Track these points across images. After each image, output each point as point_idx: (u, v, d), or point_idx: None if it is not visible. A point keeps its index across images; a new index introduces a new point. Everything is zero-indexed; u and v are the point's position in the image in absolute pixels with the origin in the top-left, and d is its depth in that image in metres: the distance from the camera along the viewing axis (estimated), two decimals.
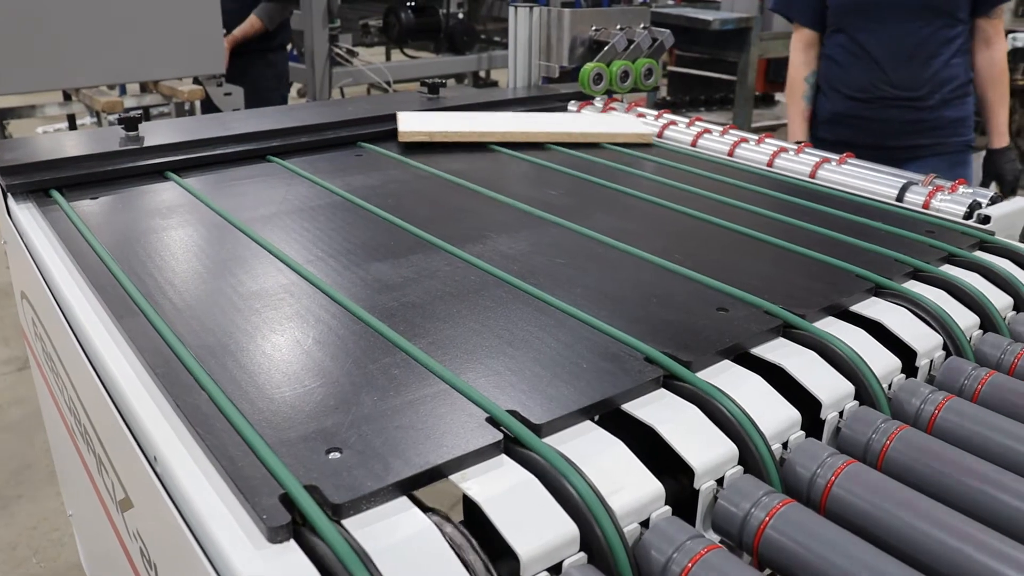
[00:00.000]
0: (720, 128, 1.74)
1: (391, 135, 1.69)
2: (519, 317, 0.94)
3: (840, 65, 2.35)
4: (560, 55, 2.04)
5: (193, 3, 2.96)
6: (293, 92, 4.97)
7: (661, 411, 0.77)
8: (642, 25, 2.10)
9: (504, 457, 0.70)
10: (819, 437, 0.83)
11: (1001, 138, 2.37)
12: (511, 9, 2.09)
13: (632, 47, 2.03)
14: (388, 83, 4.11)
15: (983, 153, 2.41)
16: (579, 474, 0.67)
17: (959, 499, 0.75)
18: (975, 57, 2.31)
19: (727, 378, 0.83)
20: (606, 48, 2.00)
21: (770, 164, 1.56)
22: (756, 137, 1.67)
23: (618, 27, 2.05)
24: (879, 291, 1.03)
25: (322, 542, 0.59)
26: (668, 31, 2.10)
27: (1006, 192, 2.37)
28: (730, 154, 1.62)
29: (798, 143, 1.64)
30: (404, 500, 0.65)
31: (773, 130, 6.96)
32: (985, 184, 2.42)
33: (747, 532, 0.70)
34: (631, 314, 0.95)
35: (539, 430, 0.73)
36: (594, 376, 0.81)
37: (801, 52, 2.44)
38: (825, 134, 2.44)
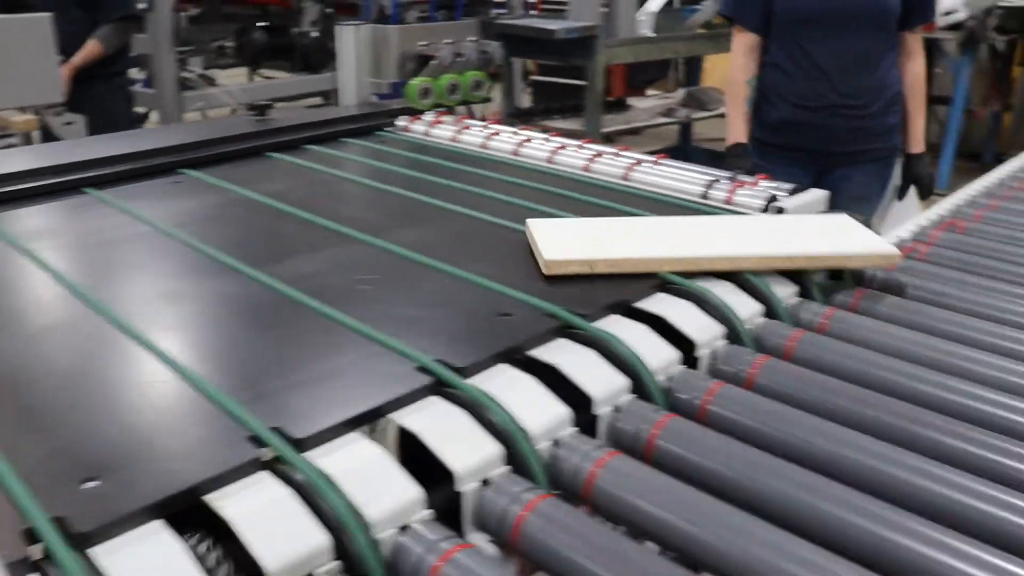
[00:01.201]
0: (545, 136, 1.78)
1: (213, 160, 1.67)
2: (302, 332, 0.95)
3: (787, 73, 2.43)
4: (389, 71, 2.05)
5: (23, 32, 2.85)
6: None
7: (428, 418, 0.79)
8: (471, 38, 2.12)
9: (264, 473, 0.70)
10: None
11: (919, 144, 2.53)
12: (336, 29, 2.09)
13: (460, 60, 2.05)
14: (247, 106, 4.03)
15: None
16: (335, 488, 0.68)
17: (729, 487, 0.79)
18: (901, 68, 2.46)
19: (500, 381, 0.84)
20: (433, 62, 2.01)
21: (587, 169, 1.59)
22: (577, 143, 1.71)
23: (446, 41, 2.07)
24: (666, 287, 1.07)
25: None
26: (497, 43, 2.13)
27: (923, 193, 2.51)
28: (549, 161, 1.65)
29: (644, 154, 1.69)
30: (157, 524, 0.65)
31: (636, 132, 7.14)
32: (904, 186, 2.57)
33: (505, 527, 0.72)
34: (413, 325, 0.96)
35: (301, 444, 0.73)
36: (364, 387, 0.82)
37: (743, 56, 2.50)
38: (770, 139, 2.53)
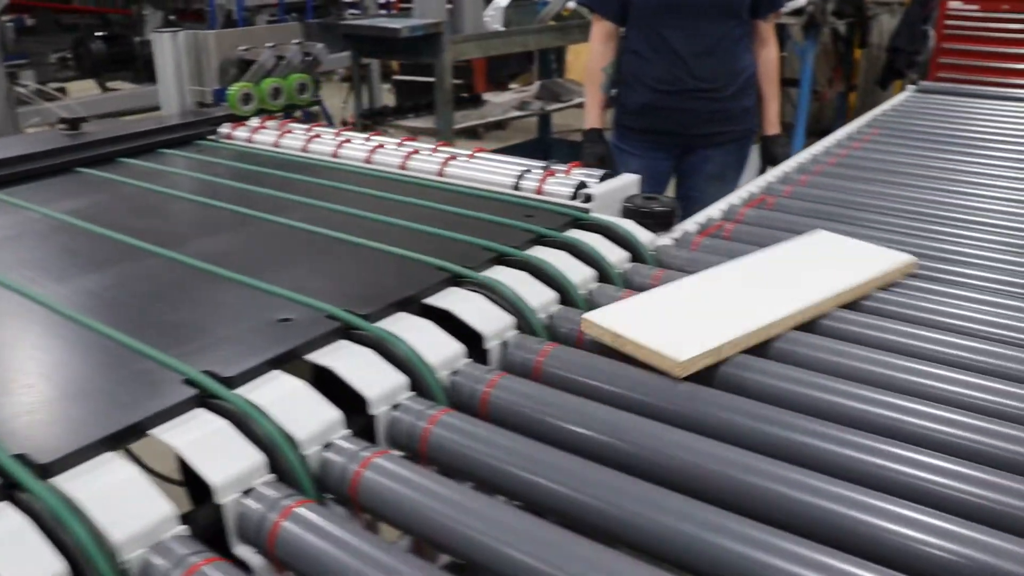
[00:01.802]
0: (364, 137, 1.76)
1: (16, 178, 1.60)
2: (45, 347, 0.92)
3: (646, 59, 2.53)
4: (210, 78, 1.99)
5: None
6: None
7: (190, 432, 0.76)
8: (294, 41, 2.08)
9: None
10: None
11: (774, 126, 2.68)
12: (152, 37, 2.02)
13: (283, 64, 2.01)
14: (59, 120, 3.88)
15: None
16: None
17: (505, 481, 0.79)
18: (763, 61, 2.60)
19: (267, 390, 0.82)
20: (253, 67, 1.97)
21: (403, 167, 1.58)
22: (396, 142, 1.70)
23: (268, 45, 2.03)
24: (458, 280, 1.07)
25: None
26: (322, 45, 2.10)
27: None
28: (367, 161, 1.63)
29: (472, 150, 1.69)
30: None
31: (502, 127, 7.16)
32: (763, 167, 2.66)
33: (261, 535, 0.71)
34: (187, 336, 0.93)
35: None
36: (121, 402, 0.79)
37: (601, 43, 2.60)
38: (632, 123, 2.63)
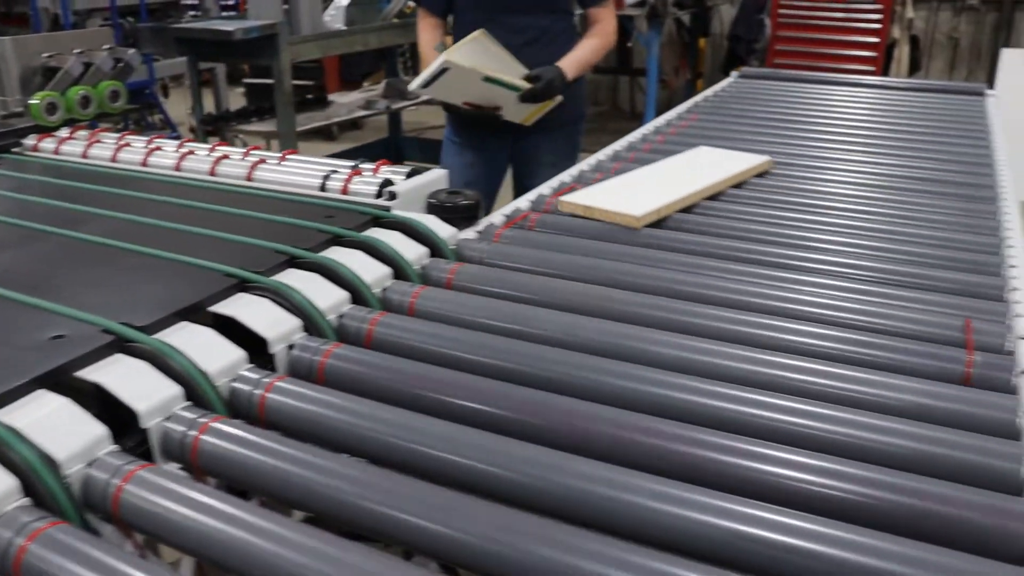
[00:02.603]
0: (174, 144, 1.72)
1: None
2: None
3: None
4: (11, 88, 1.91)
5: None
6: None
7: None
8: (105, 47, 2.02)
9: None
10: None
11: (568, 65, 2.56)
12: None
13: (91, 71, 1.95)
14: None
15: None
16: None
17: (273, 490, 0.78)
18: (591, 35, 2.67)
19: (26, 410, 0.80)
20: (59, 75, 1.90)
21: (212, 173, 1.55)
22: (207, 147, 1.67)
23: (75, 51, 1.96)
24: (247, 286, 1.06)
25: None
26: (134, 51, 2.04)
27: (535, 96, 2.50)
28: (177, 168, 1.60)
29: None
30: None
31: (358, 126, 7.09)
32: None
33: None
34: None
35: None
36: None
37: (428, 32, 2.70)
38: (461, 116, 2.64)
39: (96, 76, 1.95)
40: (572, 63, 2.60)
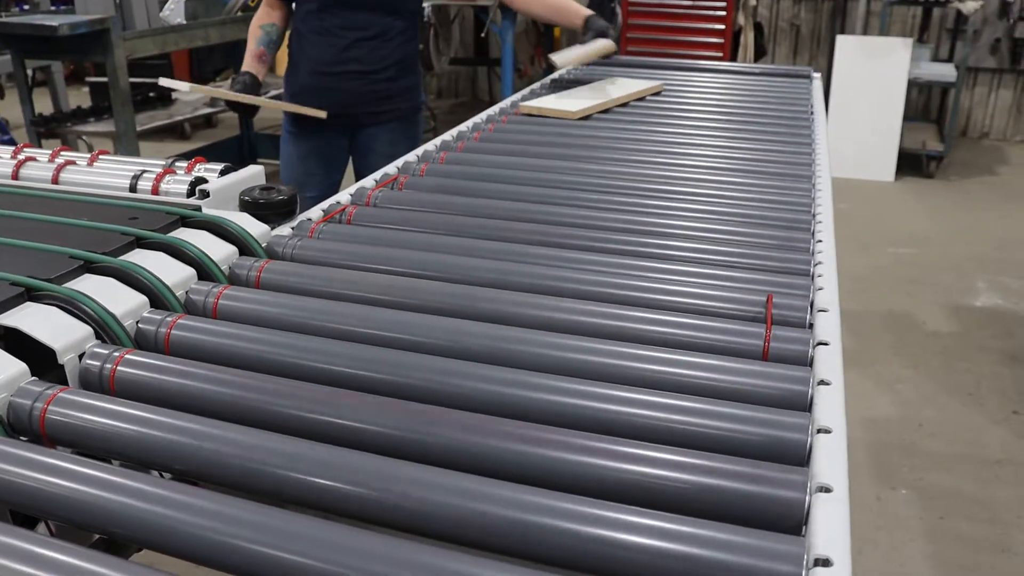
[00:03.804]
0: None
1: None
2: None
3: (309, 42, 2.61)
4: None
5: None
6: None
7: None
8: None
9: None
10: None
11: (579, 15, 2.80)
12: None
13: None
14: None
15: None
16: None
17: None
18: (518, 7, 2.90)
19: None
20: None
21: (15, 176, 1.48)
22: (10, 151, 1.58)
23: None
24: (33, 295, 1.01)
25: None
26: None
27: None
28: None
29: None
30: None
31: (212, 124, 6.90)
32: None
33: None
34: None
35: None
36: None
37: (265, 8, 2.69)
38: (298, 103, 2.64)
39: None
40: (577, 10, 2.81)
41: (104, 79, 6.54)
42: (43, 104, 4.92)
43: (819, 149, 1.86)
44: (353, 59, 2.61)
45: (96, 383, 0.92)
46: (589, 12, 2.88)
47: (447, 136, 1.93)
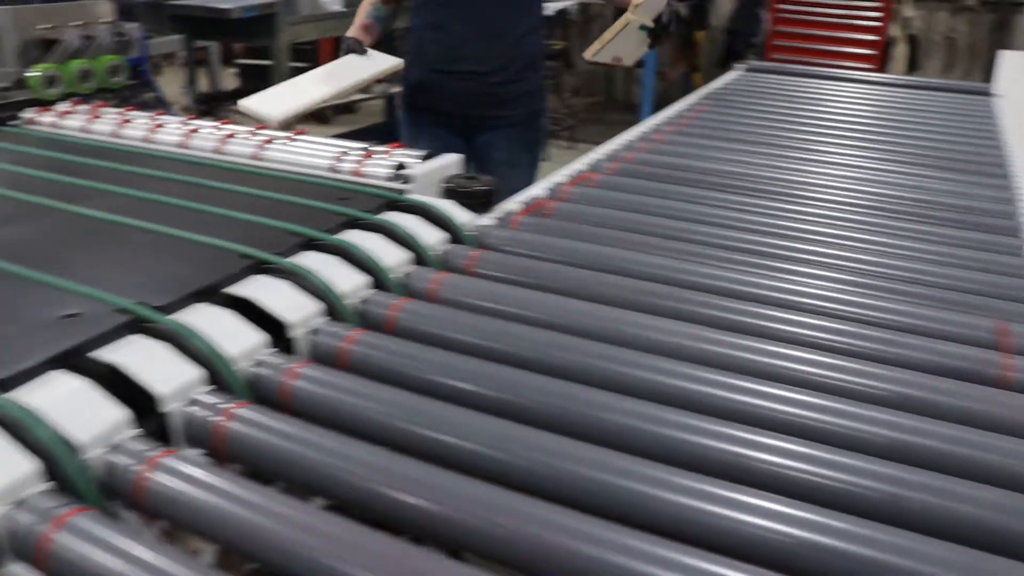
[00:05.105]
0: (180, 120, 1.68)
1: None
2: None
3: (422, 38, 2.51)
4: (7, 59, 1.86)
5: None
6: None
7: None
8: (104, 20, 1.97)
9: None
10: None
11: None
12: None
13: (93, 45, 1.90)
14: None
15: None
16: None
17: (302, 477, 0.76)
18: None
19: (45, 392, 0.76)
20: (58, 48, 1.85)
21: (218, 151, 1.52)
22: (213, 125, 1.63)
23: (74, 24, 1.91)
24: (264, 267, 1.02)
25: None
26: (136, 25, 2.00)
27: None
28: (182, 146, 1.56)
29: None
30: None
31: (351, 110, 7.02)
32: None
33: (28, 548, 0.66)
34: None
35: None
36: None
37: None
38: (412, 100, 2.61)
39: (96, 50, 1.90)
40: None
41: (252, 61, 6.78)
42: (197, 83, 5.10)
43: (1017, 170, 1.76)
44: (467, 57, 2.47)
45: (327, 360, 0.92)
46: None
47: (628, 137, 1.91)
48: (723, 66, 6.50)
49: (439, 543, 0.71)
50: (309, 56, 6.31)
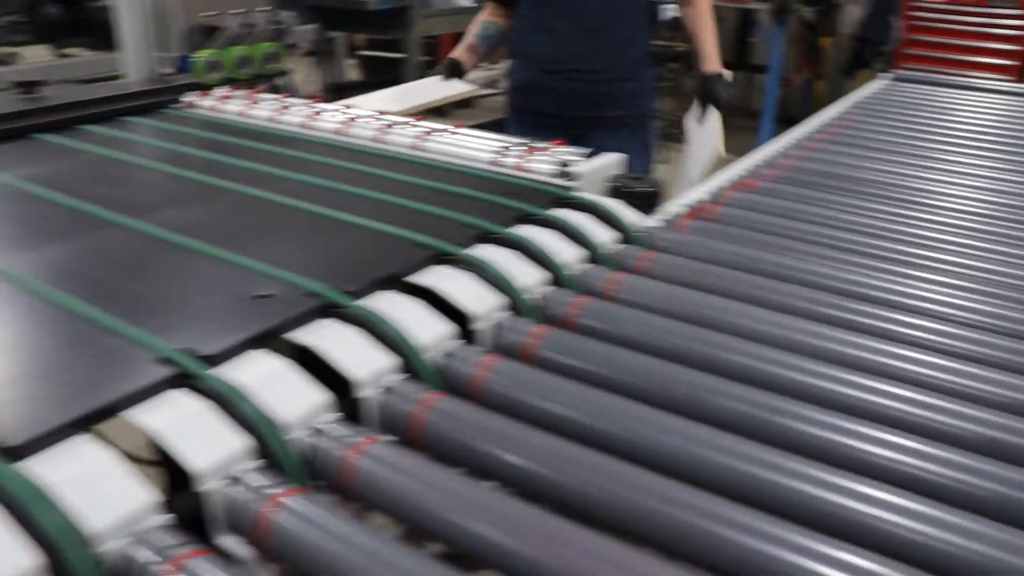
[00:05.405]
0: (337, 108, 1.70)
1: None
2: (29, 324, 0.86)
3: (527, 38, 2.47)
4: (174, 44, 1.92)
5: None
6: None
7: (168, 414, 0.71)
8: (261, 9, 2.01)
9: None
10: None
11: (712, 63, 2.59)
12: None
13: (251, 32, 1.94)
14: (13, 82, 3.75)
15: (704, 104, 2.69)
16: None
17: (500, 469, 0.75)
18: (682, 11, 2.59)
19: (249, 369, 0.77)
20: (221, 34, 1.90)
21: (378, 140, 1.53)
22: (370, 114, 1.64)
23: (235, 12, 1.96)
24: (443, 258, 1.02)
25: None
26: (293, 13, 2.03)
27: (722, 111, 2.55)
28: (341, 133, 1.58)
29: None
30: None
31: (468, 105, 7.07)
32: (703, 107, 2.66)
33: (247, 526, 0.66)
34: (157, 310, 0.88)
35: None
36: (91, 381, 0.74)
37: (487, 8, 2.66)
38: (519, 102, 2.58)
39: (255, 38, 1.94)
40: (711, 56, 2.53)
41: (375, 53, 6.87)
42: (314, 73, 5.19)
43: None
44: (571, 56, 2.42)
45: (511, 354, 0.91)
46: (716, 71, 2.61)
47: (783, 142, 1.86)
48: (849, 74, 6.33)
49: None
50: (431, 50, 6.39)
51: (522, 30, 2.50)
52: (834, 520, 0.67)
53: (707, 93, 2.63)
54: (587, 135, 2.46)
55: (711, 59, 2.60)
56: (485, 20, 2.61)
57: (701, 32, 2.58)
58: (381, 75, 5.31)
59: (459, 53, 2.60)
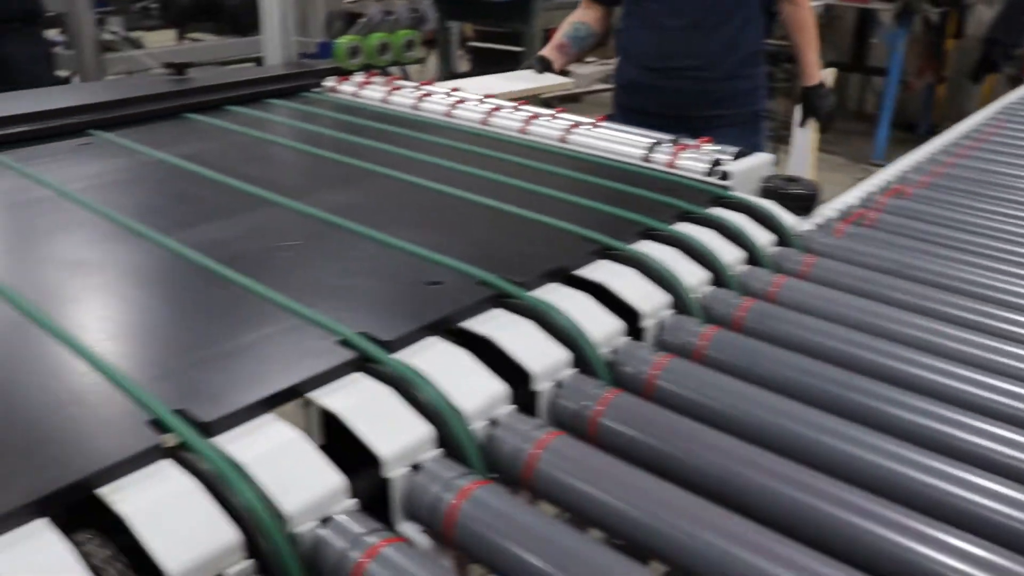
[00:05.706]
0: (479, 98, 1.70)
1: (125, 121, 1.56)
2: (212, 303, 0.87)
3: (633, 35, 2.41)
4: (315, 30, 1.94)
5: None
6: None
7: (351, 397, 0.71)
8: None
9: (166, 462, 0.63)
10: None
11: (811, 77, 2.49)
12: None
13: (391, 19, 1.96)
14: (164, 64, 3.86)
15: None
16: (246, 477, 0.61)
17: (679, 468, 0.73)
18: (781, 12, 2.42)
19: (429, 356, 0.77)
20: (362, 21, 1.92)
21: (523, 131, 1.52)
22: (512, 105, 1.64)
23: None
24: (608, 253, 1.00)
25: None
26: (428, 3, 2.04)
27: (822, 126, 2.50)
28: (483, 123, 1.57)
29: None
30: (41, 522, 0.57)
31: (576, 99, 7.06)
32: (803, 121, 2.58)
33: (437, 516, 0.65)
34: (334, 295, 0.88)
35: (208, 429, 0.65)
36: (279, 363, 0.75)
37: (580, 9, 2.61)
38: (625, 101, 2.52)
39: (394, 25, 1.95)
40: (811, 69, 2.47)
41: (484, 44, 6.89)
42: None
43: None
44: (678, 53, 2.33)
45: (679, 355, 0.89)
46: (816, 81, 2.50)
47: (932, 148, 1.79)
48: (977, 78, 6.08)
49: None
50: (544, 43, 6.37)
51: (629, 27, 2.45)
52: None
53: (806, 106, 2.55)
54: (693, 135, 2.42)
55: (811, 70, 2.50)
56: (576, 20, 2.57)
57: (801, 40, 2.46)
58: (490, 66, 5.31)
59: (548, 51, 2.57)
